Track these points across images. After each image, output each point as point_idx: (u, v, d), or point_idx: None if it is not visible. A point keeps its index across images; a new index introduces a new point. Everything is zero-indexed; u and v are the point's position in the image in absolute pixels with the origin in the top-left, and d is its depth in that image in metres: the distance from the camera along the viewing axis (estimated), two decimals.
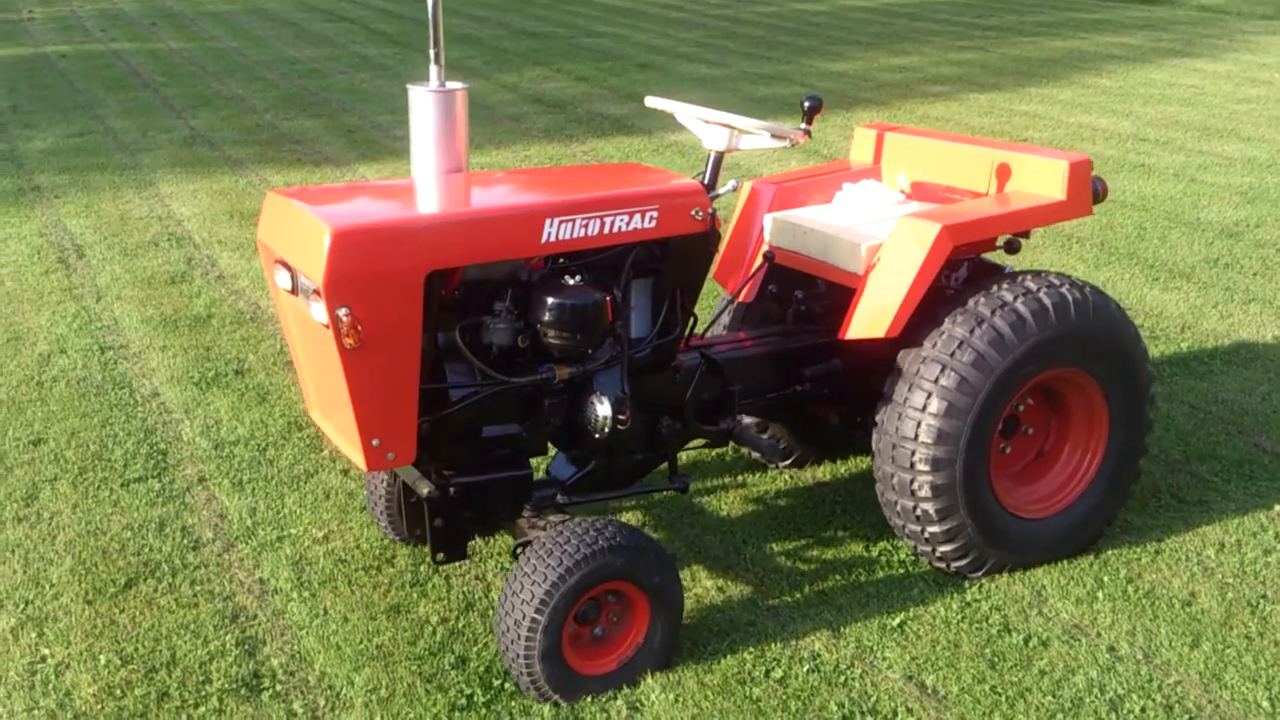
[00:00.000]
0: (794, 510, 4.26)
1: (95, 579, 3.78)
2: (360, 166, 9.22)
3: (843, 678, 3.36)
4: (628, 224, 3.24)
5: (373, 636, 3.50)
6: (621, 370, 3.39)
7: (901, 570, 3.85)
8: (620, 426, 3.36)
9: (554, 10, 19.06)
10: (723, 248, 4.08)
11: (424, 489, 3.29)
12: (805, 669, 3.38)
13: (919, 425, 3.49)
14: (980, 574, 3.74)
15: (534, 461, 3.53)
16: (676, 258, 3.43)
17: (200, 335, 5.85)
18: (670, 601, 3.28)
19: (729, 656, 3.43)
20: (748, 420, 4.29)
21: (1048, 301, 3.55)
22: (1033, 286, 3.58)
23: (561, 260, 3.31)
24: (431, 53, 3.23)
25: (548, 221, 3.12)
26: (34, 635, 3.50)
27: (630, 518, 4.17)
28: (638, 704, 3.23)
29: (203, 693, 3.26)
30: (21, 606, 3.63)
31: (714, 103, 12.78)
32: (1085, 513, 3.87)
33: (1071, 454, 3.89)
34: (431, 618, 3.59)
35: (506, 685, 3.28)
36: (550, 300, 3.16)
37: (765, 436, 4.35)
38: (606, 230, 3.22)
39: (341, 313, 2.86)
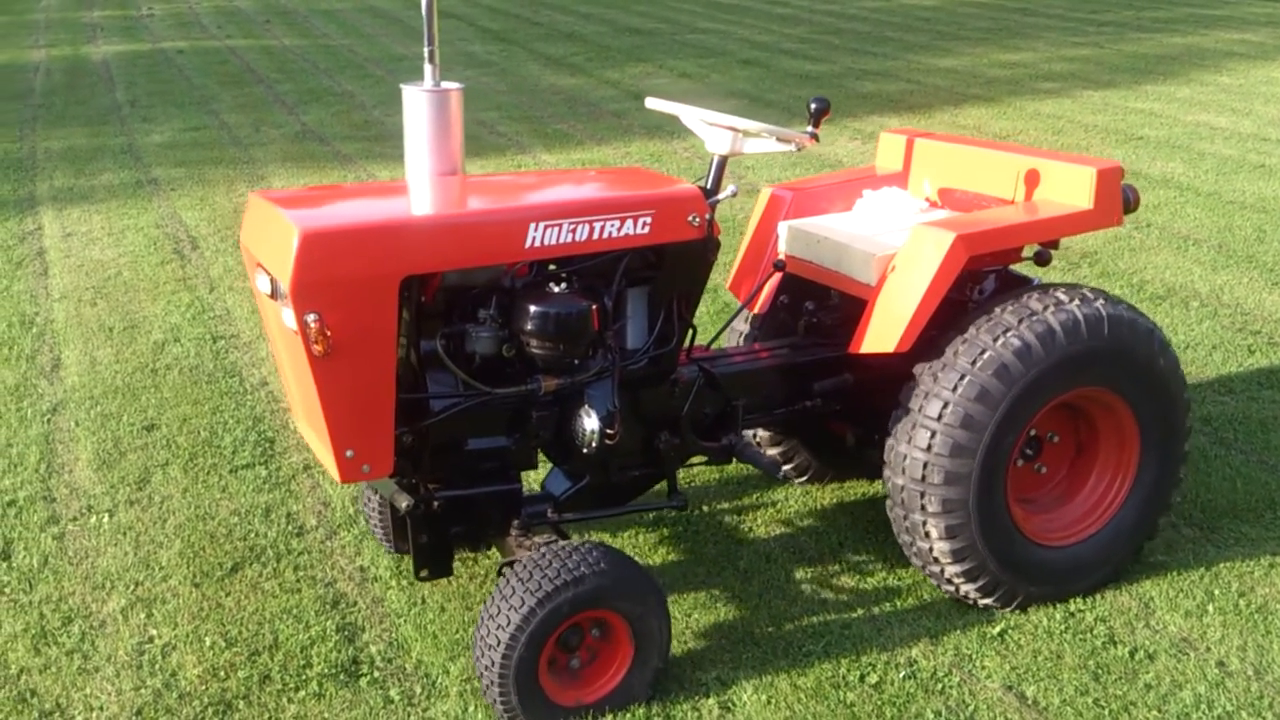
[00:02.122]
0: None
1: (203, 562, 3.88)
2: (465, 163, 9.32)
3: (940, 685, 3.30)
4: (619, 230, 3.12)
5: (468, 626, 3.53)
6: (612, 383, 3.27)
7: None
8: (609, 441, 3.23)
9: (657, 6, 19.05)
10: (739, 255, 3.96)
11: (403, 502, 3.18)
12: (901, 675, 3.33)
13: (925, 466, 3.33)
14: (1005, 606, 3.55)
15: (531, 474, 3.44)
16: (673, 266, 3.29)
17: None
18: (655, 633, 3.13)
19: (823, 660, 3.39)
20: (765, 436, 4.18)
21: (1055, 322, 3.34)
22: (1037, 307, 3.37)
23: (552, 267, 3.21)
24: (426, 51, 3.12)
25: (532, 226, 3.01)
26: (143, 616, 3.61)
27: (712, 522, 4.16)
28: (729, 704, 3.22)
29: (303, 676, 3.33)
30: (132, 588, 3.75)
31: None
32: (1111, 542, 3.66)
33: (1099, 479, 3.70)
34: None
35: None
36: (533, 308, 3.05)
37: (774, 453, 4.21)
38: (596, 236, 3.10)
39: (310, 318, 2.75)
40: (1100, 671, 3.36)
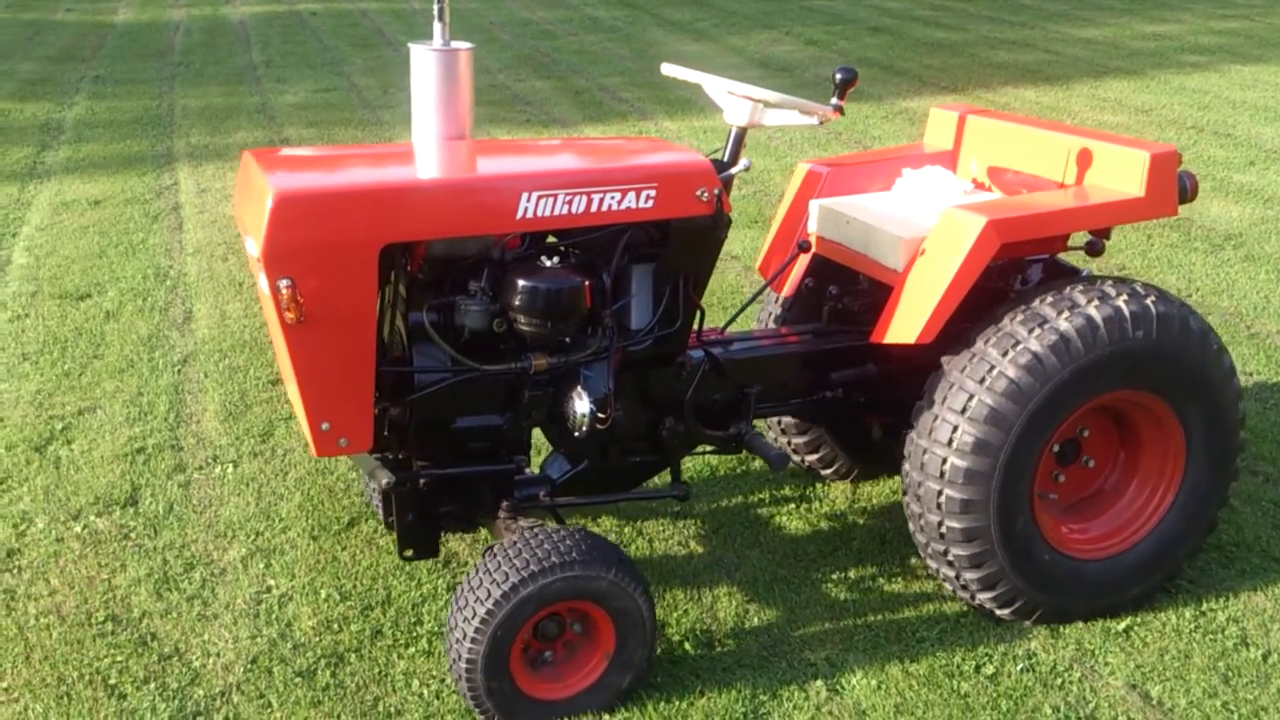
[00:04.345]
0: None
1: (321, 516, 3.95)
2: (586, 127, 9.32)
3: (1060, 680, 3.18)
4: (620, 203, 2.94)
5: None
6: (609, 364, 3.11)
7: None
8: (600, 426, 3.07)
9: None
10: (771, 234, 3.76)
11: (383, 479, 3.07)
12: (1019, 668, 3.23)
13: (944, 464, 3.13)
14: (1028, 620, 3.34)
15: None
16: (679, 242, 3.10)
17: None
18: (639, 627, 2.96)
19: (937, 648, 3.30)
20: (801, 439, 4.01)
21: (1098, 316, 3.10)
22: (1081, 300, 3.14)
23: (551, 239, 3.07)
24: (435, 8, 2.97)
25: (524, 196, 2.85)
26: (262, 566, 3.68)
27: (827, 501, 4.08)
28: (838, 686, 3.15)
29: (414, 634, 3.36)
30: (252, 538, 3.83)
31: (951, 69, 12.36)
32: (1151, 555, 3.41)
33: (1139, 491, 3.44)
34: None
35: (714, 649, 3.27)
36: (521, 283, 2.89)
37: (813, 457, 4.04)
38: (595, 209, 2.93)
39: (283, 284, 2.65)
40: (1230, 674, 3.21)
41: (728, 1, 15.92)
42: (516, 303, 2.92)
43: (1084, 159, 3.43)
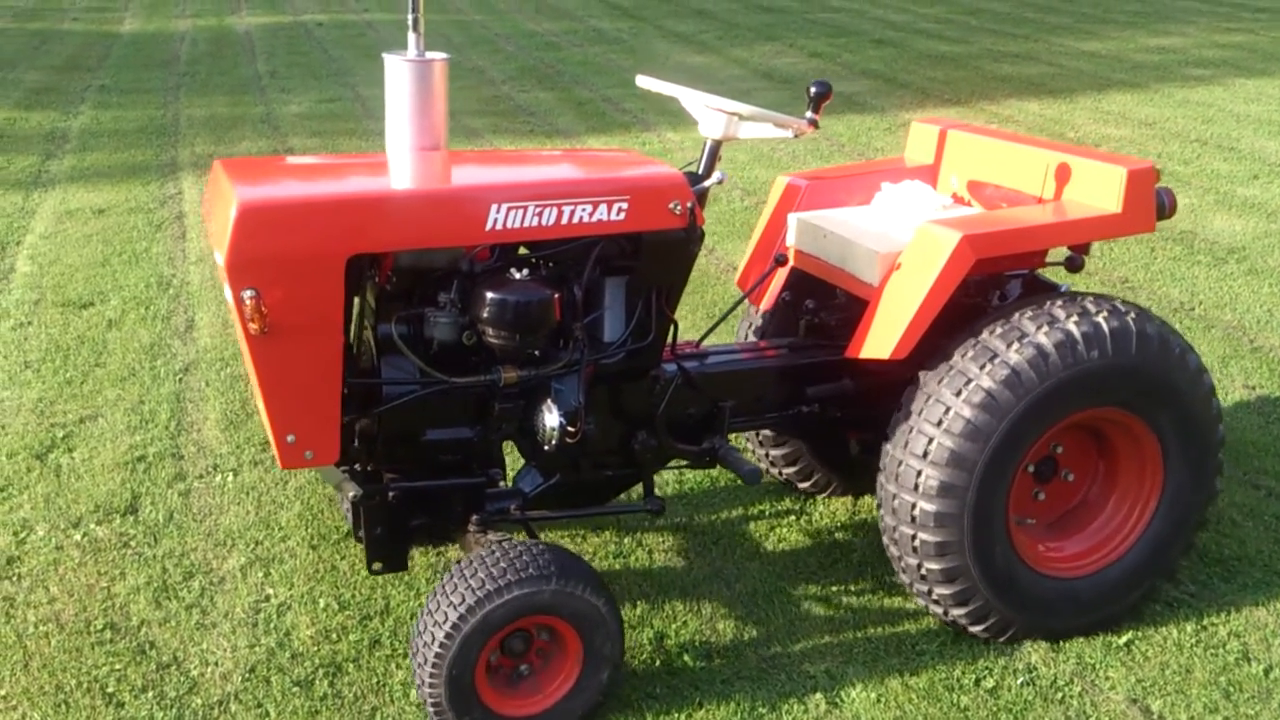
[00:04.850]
0: None
1: (320, 525, 3.94)
2: (589, 138, 9.33)
3: (1060, 694, 3.17)
4: (591, 215, 2.93)
5: None
6: (579, 377, 3.10)
7: None
8: (569, 440, 3.04)
9: None
10: (750, 246, 3.75)
11: (350, 492, 3.06)
12: (1019, 681, 3.22)
13: (915, 508, 3.11)
14: (1002, 638, 3.32)
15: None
16: (651, 255, 3.08)
17: None
18: (606, 642, 2.93)
19: (937, 661, 3.29)
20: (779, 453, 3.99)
21: (1049, 343, 3.06)
22: (1030, 328, 3.10)
23: (522, 251, 3.06)
24: (410, 19, 2.97)
25: (494, 207, 2.83)
26: (261, 575, 3.68)
27: (827, 513, 4.07)
28: (838, 700, 3.14)
29: None
30: (252, 546, 3.83)
31: (954, 81, 12.37)
32: (1141, 564, 3.38)
33: (1122, 500, 3.41)
34: (632, 589, 3.59)
35: (714, 660, 3.26)
36: (489, 295, 2.88)
37: (792, 472, 4.01)
38: (565, 221, 2.91)
39: (247, 295, 2.64)
40: (1232, 689, 3.20)
41: (731, 13, 15.97)
42: (486, 315, 2.91)
43: (1063, 174, 3.42)
